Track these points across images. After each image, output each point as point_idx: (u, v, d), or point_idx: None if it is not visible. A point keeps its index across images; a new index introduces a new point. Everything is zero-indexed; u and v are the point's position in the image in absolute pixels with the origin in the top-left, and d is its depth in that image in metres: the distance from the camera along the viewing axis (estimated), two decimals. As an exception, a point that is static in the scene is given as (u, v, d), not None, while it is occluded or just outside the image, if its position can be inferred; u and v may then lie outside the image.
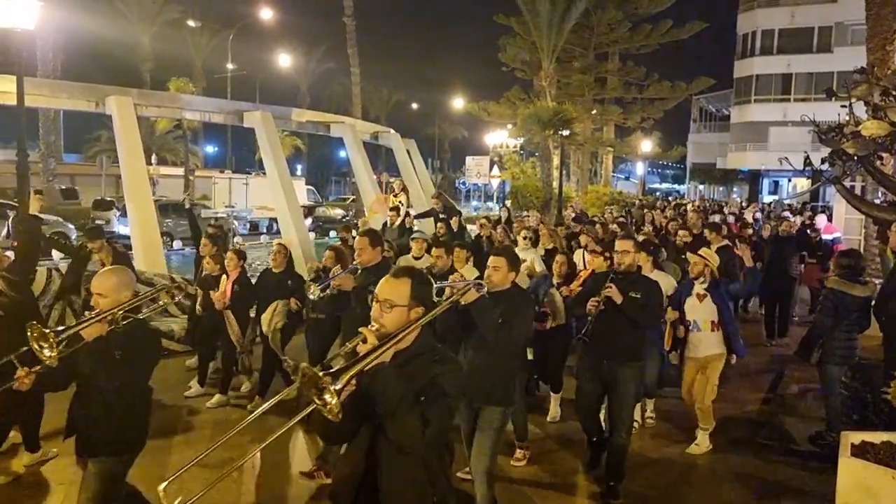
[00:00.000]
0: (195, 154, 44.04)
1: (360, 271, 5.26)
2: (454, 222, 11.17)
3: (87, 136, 41.12)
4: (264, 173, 29.73)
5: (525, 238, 8.24)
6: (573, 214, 18.88)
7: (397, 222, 11.94)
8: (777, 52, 46.79)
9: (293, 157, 49.05)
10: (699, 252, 6.13)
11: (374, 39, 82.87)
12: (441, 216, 11.87)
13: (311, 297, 5.50)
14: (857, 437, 4.58)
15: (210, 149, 56.72)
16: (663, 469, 5.75)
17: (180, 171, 38.84)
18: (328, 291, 5.48)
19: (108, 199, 26.08)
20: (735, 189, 58.98)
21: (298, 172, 49.81)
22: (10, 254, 6.62)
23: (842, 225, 13.85)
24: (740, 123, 49.66)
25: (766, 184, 54.84)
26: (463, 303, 3.88)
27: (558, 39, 31.92)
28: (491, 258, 4.44)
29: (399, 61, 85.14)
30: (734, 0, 48.73)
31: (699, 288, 5.92)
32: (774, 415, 7.01)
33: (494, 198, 35.06)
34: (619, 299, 4.89)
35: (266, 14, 38.94)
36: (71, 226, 20.99)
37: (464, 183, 53.12)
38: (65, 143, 35.23)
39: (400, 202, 13.65)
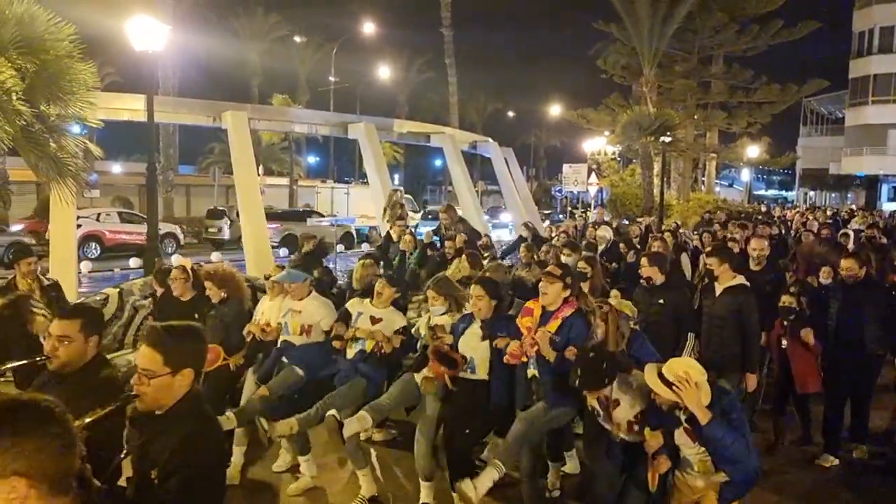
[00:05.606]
0: (298, 164, 45.72)
1: None
2: (457, 240, 8.59)
3: (201, 148, 43.45)
4: (364, 182, 30.50)
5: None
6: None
7: (409, 242, 8.64)
8: (897, 49, 44.00)
9: (391, 167, 50.12)
10: (664, 371, 3.48)
11: (470, 49, 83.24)
12: (448, 233, 9.36)
13: None
14: None
15: (312, 159, 58.72)
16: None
17: (285, 181, 40.47)
18: None
19: (221, 208, 27.51)
20: (849, 195, 55.66)
21: (396, 182, 50.85)
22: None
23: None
24: (856, 126, 46.92)
25: (885, 190, 51.43)
26: None
27: (660, 44, 31.19)
28: None
29: (496, 70, 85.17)
30: (849, -3, 46.29)
31: (685, 422, 3.58)
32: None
33: (592, 206, 34.56)
34: None
35: (367, 27, 40.13)
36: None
37: (560, 190, 52.62)
38: (179, 155, 37.47)
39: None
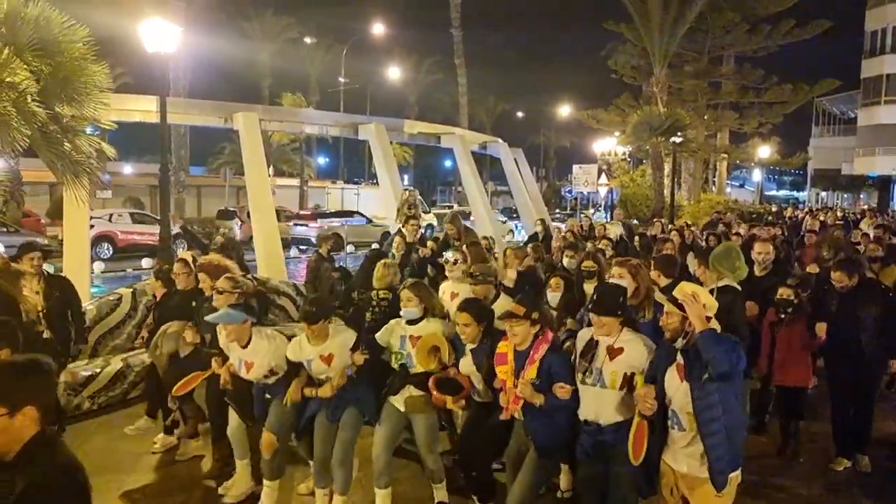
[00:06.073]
0: (309, 165, 45.89)
1: None
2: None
3: (212, 149, 43.69)
4: (374, 183, 30.57)
5: (454, 262, 5.79)
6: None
7: (399, 245, 8.44)
8: (911, 49, 43.73)
9: (401, 167, 50.18)
10: (674, 292, 3.48)
11: (480, 50, 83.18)
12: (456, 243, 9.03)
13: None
14: None
15: (322, 160, 58.90)
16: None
17: (295, 181, 40.64)
18: None
19: (231, 209, 27.64)
20: (862, 196, 55.32)
21: (406, 182, 50.87)
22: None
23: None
24: (868, 126, 46.65)
25: (898, 191, 51.19)
26: None
27: (670, 44, 31.13)
28: None
29: (505, 70, 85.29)
30: (861, -4, 46.04)
31: (680, 355, 3.49)
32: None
33: (602, 206, 34.50)
34: None
35: (377, 29, 40.27)
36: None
37: (570, 191, 52.62)
38: (190, 156, 37.66)
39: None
